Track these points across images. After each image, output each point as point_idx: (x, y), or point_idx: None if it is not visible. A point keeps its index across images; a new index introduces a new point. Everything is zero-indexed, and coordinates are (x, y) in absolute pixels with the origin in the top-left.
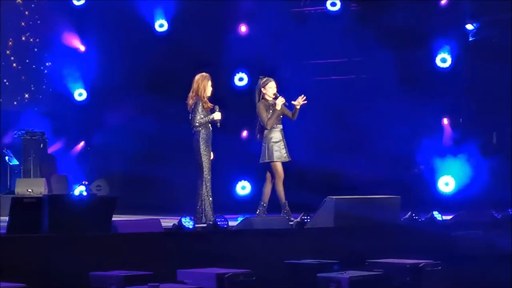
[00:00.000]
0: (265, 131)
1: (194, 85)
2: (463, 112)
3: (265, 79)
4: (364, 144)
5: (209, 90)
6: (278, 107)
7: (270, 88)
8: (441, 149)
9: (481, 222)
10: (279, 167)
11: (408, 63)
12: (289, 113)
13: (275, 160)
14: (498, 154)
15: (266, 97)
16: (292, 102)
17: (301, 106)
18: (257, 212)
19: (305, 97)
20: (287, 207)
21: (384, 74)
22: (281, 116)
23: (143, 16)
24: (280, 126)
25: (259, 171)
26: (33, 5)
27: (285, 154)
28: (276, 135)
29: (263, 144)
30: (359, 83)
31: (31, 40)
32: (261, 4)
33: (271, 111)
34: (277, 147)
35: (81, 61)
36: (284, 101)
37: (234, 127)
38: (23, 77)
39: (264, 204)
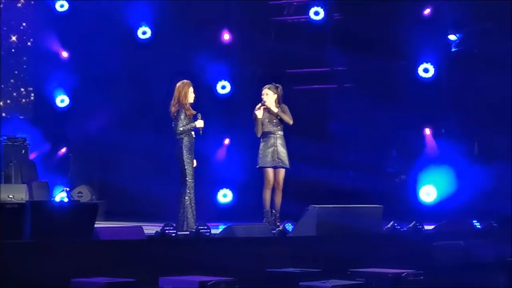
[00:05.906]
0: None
1: (176, 93)
2: (445, 123)
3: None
4: (346, 153)
5: (191, 97)
6: (259, 115)
7: (262, 96)
8: (423, 159)
9: (463, 232)
10: (266, 173)
11: (390, 73)
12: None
13: (261, 166)
14: (480, 164)
15: None
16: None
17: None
18: (264, 221)
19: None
20: (273, 216)
21: (367, 84)
22: (277, 121)
23: (126, 23)
24: (280, 133)
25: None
26: (14, 10)
27: (276, 160)
28: (268, 141)
29: None
30: (341, 92)
31: (13, 45)
32: (244, 12)
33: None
34: (266, 152)
35: (63, 67)
36: (259, 108)
37: (217, 135)
38: (4, 83)
39: (264, 211)
